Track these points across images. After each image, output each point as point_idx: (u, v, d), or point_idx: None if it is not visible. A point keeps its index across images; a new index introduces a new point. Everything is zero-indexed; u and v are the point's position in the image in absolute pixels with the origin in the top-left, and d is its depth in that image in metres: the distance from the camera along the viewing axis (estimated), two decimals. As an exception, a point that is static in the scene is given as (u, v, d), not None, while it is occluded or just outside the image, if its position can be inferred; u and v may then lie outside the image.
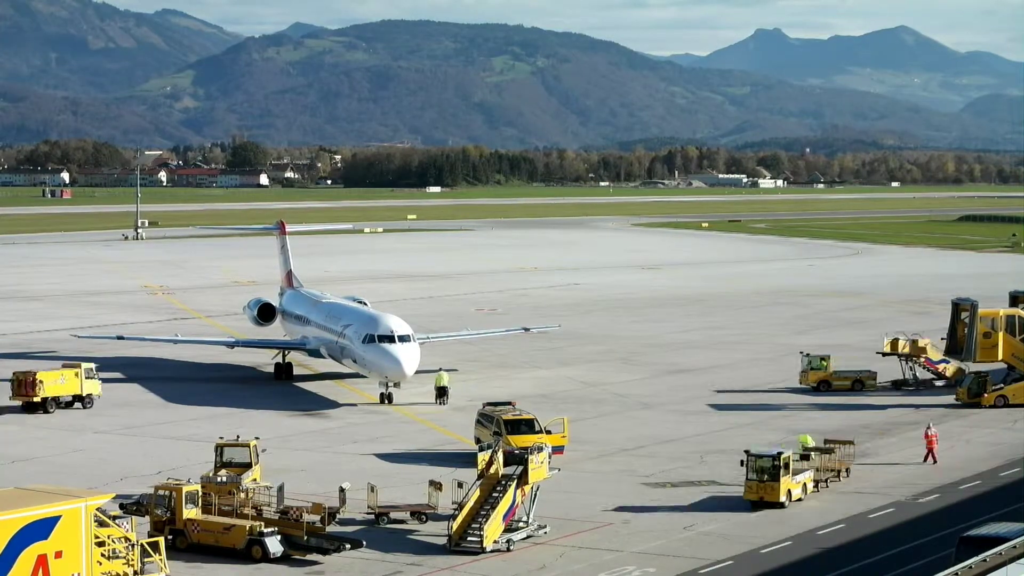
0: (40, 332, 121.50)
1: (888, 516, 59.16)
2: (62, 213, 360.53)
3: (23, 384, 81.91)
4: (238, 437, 62.89)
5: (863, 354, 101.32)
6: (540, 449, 56.39)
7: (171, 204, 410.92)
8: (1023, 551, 39.80)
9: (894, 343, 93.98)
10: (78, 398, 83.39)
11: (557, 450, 63.10)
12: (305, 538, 52.52)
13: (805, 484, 62.34)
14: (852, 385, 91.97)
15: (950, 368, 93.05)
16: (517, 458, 55.48)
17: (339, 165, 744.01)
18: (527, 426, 66.60)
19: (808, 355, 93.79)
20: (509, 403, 71.68)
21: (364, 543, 53.18)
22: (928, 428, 71.37)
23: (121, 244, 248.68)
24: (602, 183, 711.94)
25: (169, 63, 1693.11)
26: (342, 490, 56.13)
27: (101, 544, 44.10)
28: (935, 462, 69.68)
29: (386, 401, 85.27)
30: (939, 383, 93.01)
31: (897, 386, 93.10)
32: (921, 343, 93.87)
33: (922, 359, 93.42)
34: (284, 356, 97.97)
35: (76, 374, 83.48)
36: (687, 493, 63.20)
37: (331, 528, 53.54)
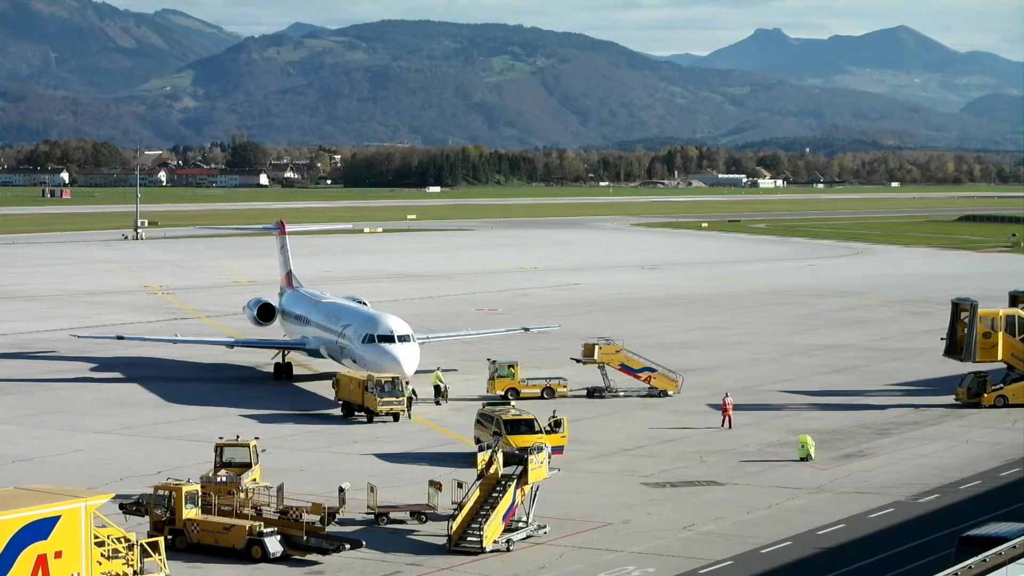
0: (40, 332, 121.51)
1: (888, 516, 59.10)
2: (62, 213, 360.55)
3: None
4: (238, 437, 62.82)
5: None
6: (540, 449, 56.38)
7: (171, 204, 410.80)
8: (1023, 551, 39.77)
9: (588, 348, 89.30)
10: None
11: (557, 450, 63.14)
12: (305, 538, 52.50)
13: None
14: (542, 393, 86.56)
15: (659, 379, 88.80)
16: (517, 458, 55.48)
17: (339, 165, 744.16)
18: (527, 426, 66.57)
19: (495, 362, 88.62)
20: (509, 403, 71.57)
21: (364, 543, 53.17)
22: (726, 396, 79.47)
23: (121, 244, 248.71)
24: (602, 183, 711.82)
25: (169, 63, 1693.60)
26: (342, 490, 56.08)
27: (101, 544, 44.06)
28: (730, 427, 77.48)
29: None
30: (642, 392, 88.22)
31: (592, 394, 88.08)
32: (615, 347, 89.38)
33: (616, 365, 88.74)
34: (284, 356, 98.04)
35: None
36: (687, 493, 63.18)
37: (331, 528, 53.52)
